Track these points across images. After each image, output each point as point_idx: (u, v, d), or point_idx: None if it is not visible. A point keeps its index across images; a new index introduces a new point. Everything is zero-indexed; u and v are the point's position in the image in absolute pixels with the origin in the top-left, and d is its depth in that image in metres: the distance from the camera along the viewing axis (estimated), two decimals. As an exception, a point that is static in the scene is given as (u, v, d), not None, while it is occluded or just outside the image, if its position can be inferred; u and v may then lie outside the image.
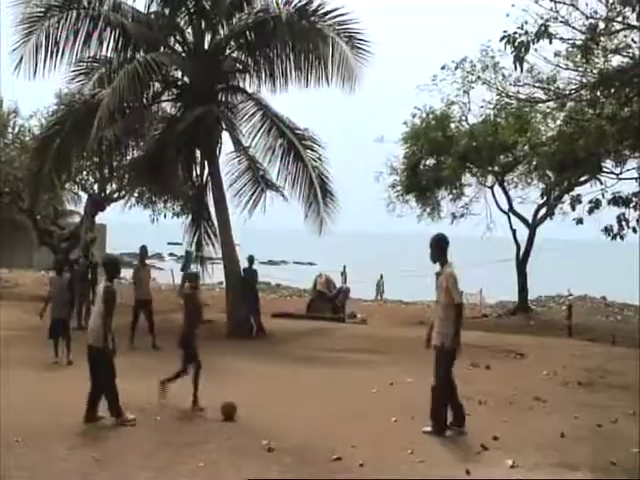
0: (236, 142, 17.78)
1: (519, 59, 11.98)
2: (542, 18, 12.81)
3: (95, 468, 6.52)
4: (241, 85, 18.91)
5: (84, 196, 26.54)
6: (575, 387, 11.15)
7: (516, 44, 11.77)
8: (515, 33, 11.91)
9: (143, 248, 15.40)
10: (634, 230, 14.10)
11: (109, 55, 17.54)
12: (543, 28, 11.83)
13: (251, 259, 17.49)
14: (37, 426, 7.74)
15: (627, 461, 7.00)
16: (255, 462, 6.77)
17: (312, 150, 18.27)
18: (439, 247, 8.09)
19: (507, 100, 20.38)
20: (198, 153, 18.77)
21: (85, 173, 24.46)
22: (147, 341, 14.19)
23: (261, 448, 7.15)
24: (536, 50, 12.94)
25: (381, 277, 36.77)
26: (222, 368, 12.03)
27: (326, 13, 17.27)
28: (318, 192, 17.80)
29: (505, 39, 12.02)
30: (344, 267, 34.79)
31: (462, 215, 26.36)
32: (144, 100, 18.29)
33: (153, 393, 8.93)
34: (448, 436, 7.83)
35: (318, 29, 16.86)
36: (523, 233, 26.00)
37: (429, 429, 7.91)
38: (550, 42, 12.06)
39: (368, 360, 13.47)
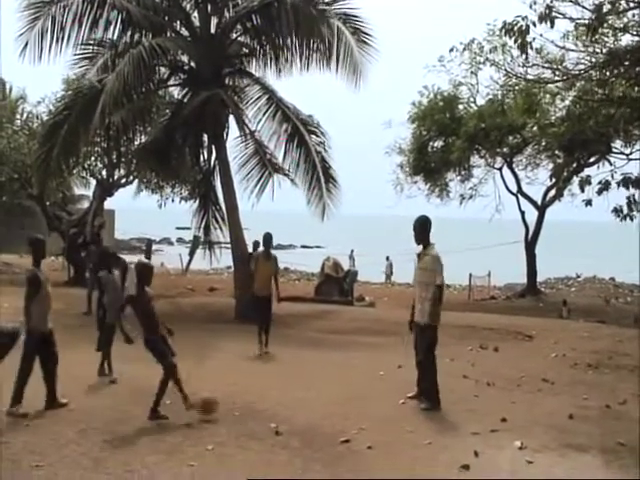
0: (242, 126, 17.76)
1: (523, 45, 11.89)
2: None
3: (106, 451, 6.58)
4: (247, 69, 18.87)
5: (93, 181, 26.62)
6: (584, 369, 11.14)
7: (515, 30, 11.66)
8: (513, 21, 11.80)
9: (267, 235, 12.83)
10: (644, 211, 14.00)
11: (114, 40, 17.51)
12: (547, 11, 11.68)
13: (256, 244, 17.42)
14: (47, 410, 7.81)
15: (636, 442, 6.99)
16: (263, 445, 6.81)
17: (316, 135, 18.27)
18: (423, 229, 8.26)
19: (515, 81, 20.24)
20: (205, 137, 18.78)
21: (93, 159, 24.48)
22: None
23: (269, 431, 7.19)
24: (541, 35, 12.81)
25: (387, 259, 36.79)
26: (230, 351, 12.11)
27: (331, 2, 17.24)
28: (321, 177, 17.83)
29: (504, 29, 11.93)
30: (352, 251, 34.84)
31: (471, 197, 26.32)
32: (150, 85, 18.26)
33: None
34: (456, 418, 7.86)
35: (323, 15, 16.76)
36: (532, 215, 25.95)
37: (425, 405, 8.20)
38: (552, 26, 11.92)
39: (376, 343, 13.50)
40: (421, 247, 8.35)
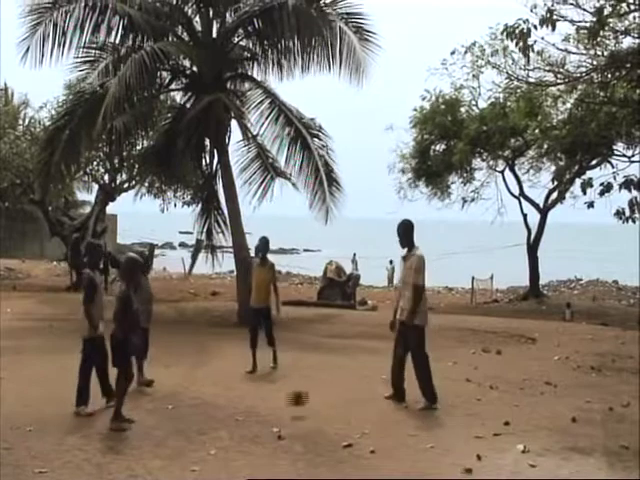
0: (245, 130, 17.77)
1: (524, 48, 11.90)
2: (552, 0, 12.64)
3: (109, 457, 6.57)
4: (249, 73, 18.90)
5: (95, 186, 26.66)
6: (587, 371, 11.13)
7: (516, 33, 11.67)
8: (515, 24, 11.82)
9: (263, 240, 11.53)
10: (646, 213, 13.97)
11: (116, 44, 17.54)
12: (548, 14, 11.68)
13: (259, 248, 17.34)
14: (51, 415, 7.80)
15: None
16: (266, 450, 6.80)
17: (318, 139, 18.27)
18: (407, 232, 8.65)
19: (517, 84, 20.23)
20: (207, 142, 18.79)
21: (95, 163, 24.52)
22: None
23: (271, 435, 7.18)
24: (543, 38, 12.80)
25: (390, 262, 36.74)
26: (232, 356, 12.10)
27: (332, 2, 17.26)
28: (324, 180, 17.81)
29: (505, 32, 11.95)
30: (354, 254, 34.84)
31: (473, 200, 26.27)
32: (152, 90, 18.28)
33: (167, 382, 8.99)
34: (459, 421, 7.85)
35: (325, 16, 16.78)
36: (534, 217, 25.91)
37: (423, 405, 8.39)
38: (553, 29, 11.91)
39: (379, 347, 13.41)
40: (406, 250, 8.71)
